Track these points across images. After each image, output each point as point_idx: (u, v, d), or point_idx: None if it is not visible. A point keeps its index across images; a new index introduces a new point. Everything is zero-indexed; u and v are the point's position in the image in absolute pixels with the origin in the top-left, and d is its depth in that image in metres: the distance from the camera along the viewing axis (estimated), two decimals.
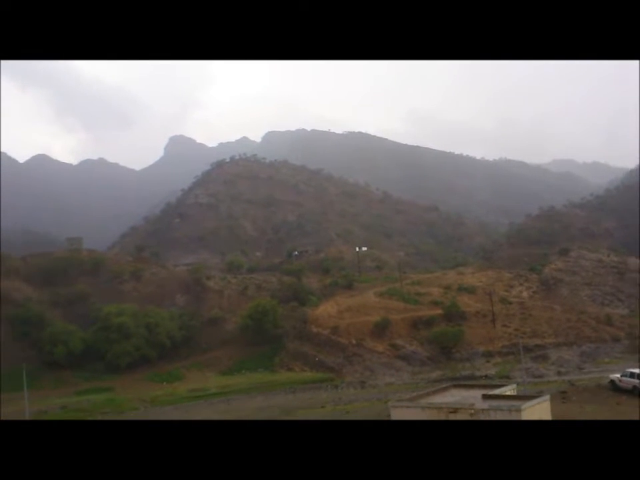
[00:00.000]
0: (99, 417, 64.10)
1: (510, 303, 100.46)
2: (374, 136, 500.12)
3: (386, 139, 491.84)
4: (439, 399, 36.45)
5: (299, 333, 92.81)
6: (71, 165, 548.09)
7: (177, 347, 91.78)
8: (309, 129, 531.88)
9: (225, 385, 78.35)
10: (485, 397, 34.97)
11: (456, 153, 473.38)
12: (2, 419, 61.47)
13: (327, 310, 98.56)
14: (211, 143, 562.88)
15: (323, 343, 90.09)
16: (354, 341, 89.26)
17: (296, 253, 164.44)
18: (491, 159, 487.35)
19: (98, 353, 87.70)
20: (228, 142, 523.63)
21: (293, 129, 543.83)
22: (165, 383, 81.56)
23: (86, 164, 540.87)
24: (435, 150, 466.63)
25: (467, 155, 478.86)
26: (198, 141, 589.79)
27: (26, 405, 57.97)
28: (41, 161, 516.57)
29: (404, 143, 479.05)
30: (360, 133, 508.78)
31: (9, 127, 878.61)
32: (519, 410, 29.65)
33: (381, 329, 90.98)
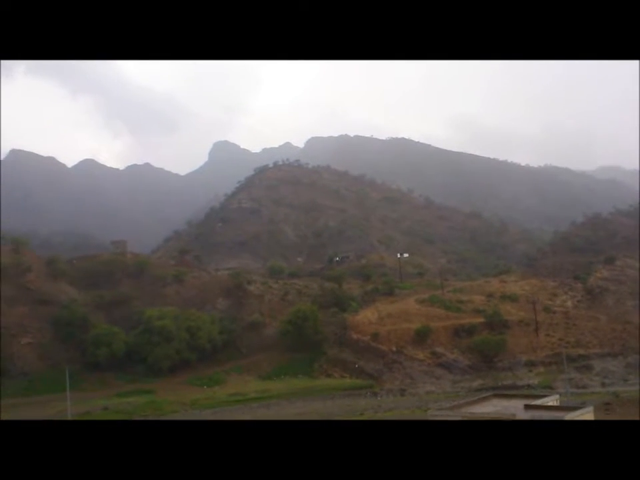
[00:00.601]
0: (140, 419, 64.91)
1: (554, 312, 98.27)
2: (417, 142, 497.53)
3: (429, 145, 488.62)
4: (479, 408, 35.65)
5: (339, 339, 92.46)
6: (117, 169, 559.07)
7: (217, 351, 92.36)
8: (351, 135, 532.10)
9: (264, 390, 78.43)
10: (527, 407, 34.07)
11: (500, 159, 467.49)
12: (45, 419, 62.77)
13: (367, 316, 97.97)
14: (255, 148, 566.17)
15: (363, 350, 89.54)
16: (394, 348, 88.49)
17: (337, 258, 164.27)
18: (535, 165, 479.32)
19: (140, 356, 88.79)
20: (271, 147, 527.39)
21: (336, 134, 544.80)
22: (205, 387, 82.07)
23: (132, 169, 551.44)
24: (478, 156, 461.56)
25: (511, 162, 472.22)
26: (242, 146, 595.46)
27: (68, 406, 58.95)
28: (88, 165, 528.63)
29: (447, 148, 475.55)
30: (403, 138, 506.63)
31: (58, 132, 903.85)
32: (561, 420, 28.74)
33: (421, 337, 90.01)
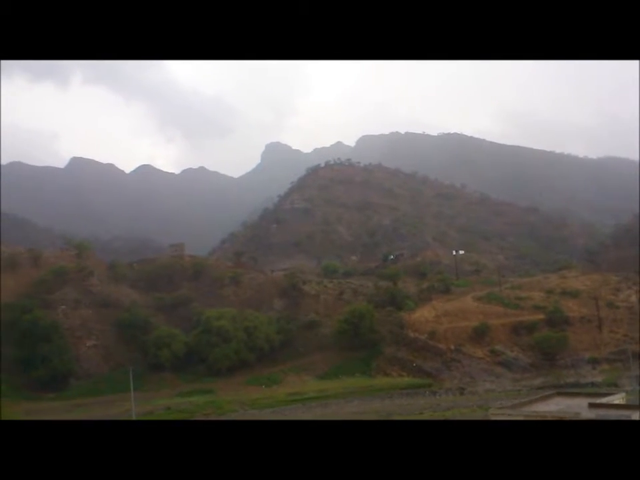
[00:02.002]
0: (201, 418, 66.08)
1: (617, 308, 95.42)
2: (470, 137, 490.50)
3: (483, 140, 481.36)
4: (541, 407, 34.99)
5: (395, 337, 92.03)
6: (173, 174, 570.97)
7: (274, 350, 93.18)
8: (402, 132, 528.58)
9: (322, 389, 78.68)
10: (592, 405, 33.24)
11: (557, 151, 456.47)
12: (110, 419, 64.60)
13: (423, 315, 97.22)
14: (306, 148, 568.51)
15: (420, 348, 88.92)
16: (452, 347, 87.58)
17: (391, 257, 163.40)
18: (594, 157, 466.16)
19: (199, 356, 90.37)
20: (323, 147, 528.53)
21: (387, 132, 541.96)
22: (263, 387, 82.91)
23: (187, 173, 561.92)
24: (534, 149, 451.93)
25: (569, 154, 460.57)
26: (293, 147, 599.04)
27: (132, 406, 60.40)
28: (145, 171, 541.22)
29: (501, 143, 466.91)
30: (455, 134, 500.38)
31: (115, 139, 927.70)
32: (628, 419, 27.96)
33: (480, 334, 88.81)
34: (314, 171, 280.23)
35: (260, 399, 75.77)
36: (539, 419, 31.65)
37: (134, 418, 58.86)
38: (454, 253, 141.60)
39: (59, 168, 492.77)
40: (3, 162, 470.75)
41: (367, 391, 77.14)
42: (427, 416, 56.48)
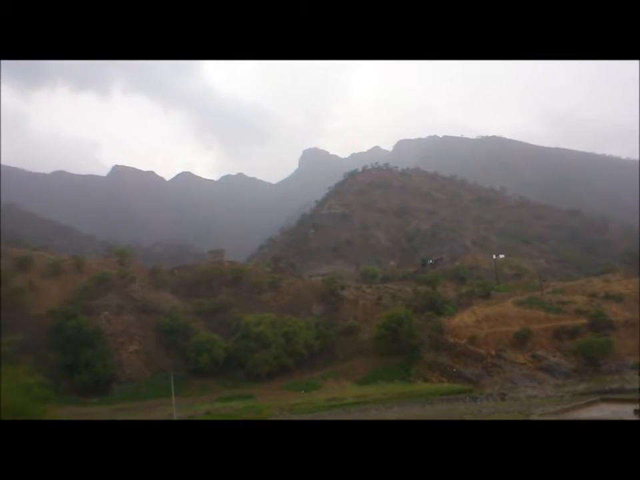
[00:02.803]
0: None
1: None
2: (509, 139, 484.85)
3: (522, 142, 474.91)
4: (585, 413, 34.23)
5: (435, 343, 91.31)
6: (212, 180, 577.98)
7: (313, 356, 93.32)
8: (440, 136, 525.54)
9: (361, 395, 78.45)
10: (638, 412, 32.45)
11: (598, 153, 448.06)
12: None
13: (463, 320, 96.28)
14: (344, 154, 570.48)
15: (461, 354, 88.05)
16: (493, 352, 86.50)
17: (430, 261, 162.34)
18: (637, 159, 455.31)
19: (239, 361, 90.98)
20: (360, 152, 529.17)
21: (425, 136, 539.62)
22: (302, 392, 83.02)
23: (226, 179, 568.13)
24: (575, 151, 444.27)
25: (610, 155, 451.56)
26: (331, 152, 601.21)
27: (174, 411, 61.18)
28: (185, 178, 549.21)
29: (541, 145, 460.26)
30: (494, 137, 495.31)
31: (155, 146, 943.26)
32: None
33: (521, 340, 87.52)
34: (351, 176, 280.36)
35: (299, 404, 75.89)
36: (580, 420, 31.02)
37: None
38: (494, 257, 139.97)
39: (101, 176, 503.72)
40: (48, 171, 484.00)
41: (407, 396, 76.62)
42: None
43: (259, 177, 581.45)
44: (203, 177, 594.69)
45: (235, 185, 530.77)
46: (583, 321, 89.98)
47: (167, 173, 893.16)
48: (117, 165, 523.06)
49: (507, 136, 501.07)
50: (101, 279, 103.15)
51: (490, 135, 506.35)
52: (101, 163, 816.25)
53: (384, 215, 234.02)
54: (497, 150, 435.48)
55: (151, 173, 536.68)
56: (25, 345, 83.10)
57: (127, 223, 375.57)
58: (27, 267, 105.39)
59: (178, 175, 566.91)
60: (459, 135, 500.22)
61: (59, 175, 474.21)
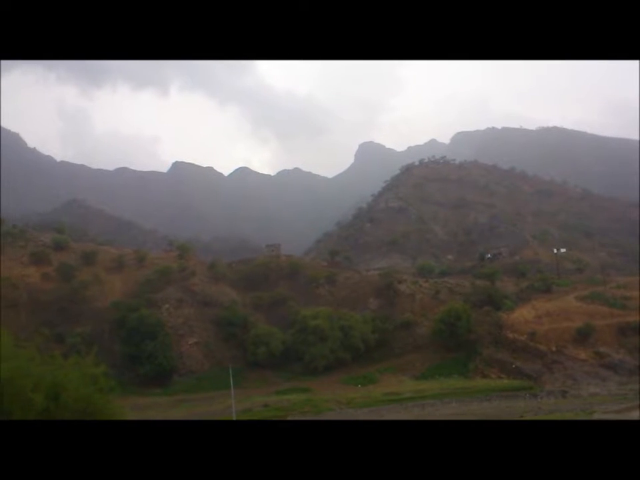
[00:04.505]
0: (298, 416, 67.15)
1: None
2: (570, 130, 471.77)
3: (584, 132, 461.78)
4: None
5: (494, 338, 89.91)
6: (269, 175, 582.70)
7: (370, 350, 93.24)
8: (499, 127, 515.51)
9: (418, 390, 78.01)
10: None
11: None
12: (211, 416, 66.74)
13: (523, 315, 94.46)
14: (400, 147, 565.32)
15: (520, 350, 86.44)
16: (554, 348, 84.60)
17: (489, 255, 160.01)
18: None
19: (296, 354, 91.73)
20: (417, 145, 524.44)
21: (483, 128, 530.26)
22: (359, 386, 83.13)
23: (282, 174, 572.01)
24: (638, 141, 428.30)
25: None
26: (387, 146, 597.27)
27: (233, 403, 62.18)
28: (242, 173, 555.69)
29: (604, 135, 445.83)
30: (555, 127, 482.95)
31: (213, 142, 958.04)
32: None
33: (583, 336, 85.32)
34: (408, 170, 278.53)
35: (356, 398, 75.96)
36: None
37: (234, 414, 60.62)
38: (555, 251, 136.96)
39: (162, 172, 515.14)
40: (111, 168, 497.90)
41: (465, 392, 75.74)
42: (528, 419, 54.87)
43: (315, 171, 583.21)
44: (260, 172, 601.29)
45: (291, 179, 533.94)
46: None
47: (225, 168, 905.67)
48: (177, 161, 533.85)
49: (568, 126, 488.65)
50: (163, 273, 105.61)
51: (550, 125, 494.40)
52: (161, 159, 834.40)
53: (441, 208, 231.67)
54: (558, 141, 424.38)
55: (210, 168, 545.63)
56: (91, 336, 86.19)
57: (187, 217, 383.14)
58: (93, 261, 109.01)
59: (235, 170, 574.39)
60: (518, 127, 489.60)
61: (122, 172, 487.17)
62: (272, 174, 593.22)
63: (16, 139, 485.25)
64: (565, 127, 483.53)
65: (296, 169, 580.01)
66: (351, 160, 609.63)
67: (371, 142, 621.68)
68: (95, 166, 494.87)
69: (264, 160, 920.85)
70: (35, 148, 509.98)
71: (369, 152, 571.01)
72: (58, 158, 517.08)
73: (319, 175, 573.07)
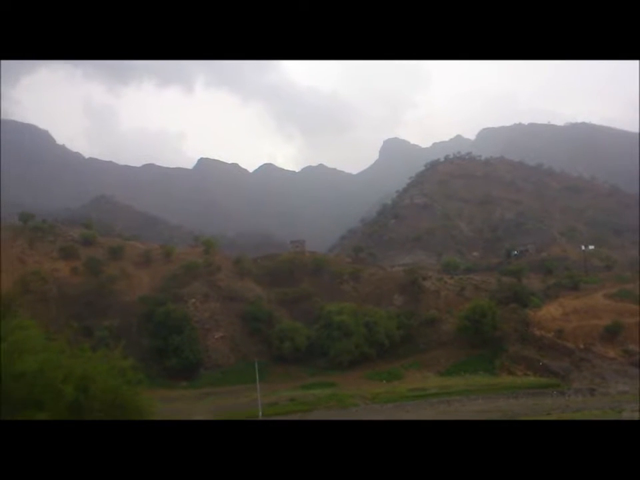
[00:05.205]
0: (323, 411, 67.39)
1: None
2: (599, 125, 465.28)
3: (612, 128, 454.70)
4: None
5: (520, 335, 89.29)
6: (293, 172, 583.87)
7: (395, 346, 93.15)
8: (526, 123, 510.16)
9: (444, 386, 77.83)
10: None
11: None
12: (237, 409, 67.23)
13: (550, 312, 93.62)
14: (425, 143, 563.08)
15: (547, 347, 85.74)
16: (582, 346, 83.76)
17: (515, 252, 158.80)
18: None
19: (321, 350, 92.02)
20: (442, 141, 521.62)
21: (509, 124, 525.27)
22: (384, 381, 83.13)
23: (307, 170, 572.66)
24: None
25: None
26: (412, 142, 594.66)
27: (259, 397, 62.66)
28: (267, 169, 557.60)
29: (633, 131, 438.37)
30: (583, 123, 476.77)
31: (238, 139, 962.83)
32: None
33: (612, 334, 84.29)
34: (433, 166, 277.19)
35: (381, 393, 76.06)
36: None
37: (260, 408, 61.08)
38: (582, 248, 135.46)
39: (187, 169, 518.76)
40: (138, 164, 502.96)
41: (491, 389, 75.41)
42: (555, 417, 54.47)
43: (340, 168, 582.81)
44: (285, 168, 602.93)
45: (315, 175, 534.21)
46: None
47: (250, 164, 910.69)
48: (202, 158, 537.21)
49: (596, 122, 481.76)
50: (188, 268, 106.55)
51: (578, 121, 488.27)
52: (186, 155, 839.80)
53: (466, 204, 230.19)
54: (586, 137, 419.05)
55: (235, 165, 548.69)
56: (118, 329, 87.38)
57: (212, 213, 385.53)
58: (120, 256, 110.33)
59: (260, 166, 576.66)
60: (546, 122, 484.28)
61: (149, 168, 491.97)
62: (296, 170, 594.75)
63: (45, 135, 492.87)
64: (593, 122, 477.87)
65: (320, 165, 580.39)
66: (376, 156, 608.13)
67: (395, 138, 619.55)
68: (122, 162, 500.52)
69: (288, 156, 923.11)
70: (64, 145, 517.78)
71: (393, 148, 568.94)
72: (86, 155, 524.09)
73: (343, 171, 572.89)
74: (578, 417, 53.01)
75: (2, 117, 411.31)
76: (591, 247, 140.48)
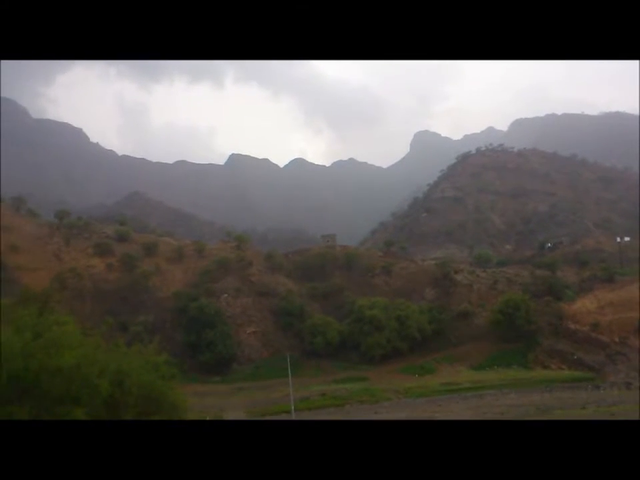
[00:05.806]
0: (356, 405, 67.61)
1: None
2: (633, 114, 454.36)
3: None
4: None
5: (554, 329, 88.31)
6: (324, 166, 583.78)
7: (427, 340, 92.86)
8: (559, 114, 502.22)
9: (476, 380, 77.40)
10: None
11: None
12: (270, 404, 67.79)
13: (585, 305, 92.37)
14: (456, 135, 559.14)
15: (581, 340, 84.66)
16: (617, 339, 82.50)
17: (549, 245, 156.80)
18: None
19: (353, 344, 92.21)
20: (473, 133, 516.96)
21: (542, 114, 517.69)
22: (416, 376, 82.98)
23: (337, 164, 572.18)
24: None
25: None
26: (443, 135, 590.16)
27: (291, 392, 62.98)
28: (297, 164, 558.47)
29: None
30: (617, 112, 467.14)
31: (269, 134, 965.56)
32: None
33: None
34: (464, 158, 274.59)
35: (413, 387, 75.92)
36: None
37: (292, 402, 61.43)
38: (618, 239, 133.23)
39: (218, 165, 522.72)
40: (170, 161, 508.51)
41: (525, 383, 74.70)
42: (590, 411, 53.83)
43: (370, 162, 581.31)
44: (315, 162, 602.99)
45: (346, 169, 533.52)
46: None
47: (281, 159, 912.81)
48: (233, 154, 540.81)
49: (631, 111, 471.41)
50: (221, 263, 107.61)
51: (612, 110, 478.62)
52: (217, 151, 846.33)
53: (499, 197, 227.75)
54: (620, 126, 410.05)
55: (266, 160, 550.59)
56: (152, 325, 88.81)
57: (244, 209, 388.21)
58: (154, 252, 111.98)
59: (291, 161, 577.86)
60: (579, 112, 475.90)
61: (181, 165, 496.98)
62: (327, 165, 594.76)
63: (79, 133, 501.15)
64: (627, 111, 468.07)
65: (351, 159, 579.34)
66: (406, 149, 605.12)
67: (426, 131, 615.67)
68: (154, 159, 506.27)
69: (319, 151, 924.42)
70: (97, 142, 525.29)
71: (424, 141, 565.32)
72: (119, 152, 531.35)
73: (374, 165, 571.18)
74: (614, 410, 52.34)
75: (38, 116, 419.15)
76: (627, 239, 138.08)
